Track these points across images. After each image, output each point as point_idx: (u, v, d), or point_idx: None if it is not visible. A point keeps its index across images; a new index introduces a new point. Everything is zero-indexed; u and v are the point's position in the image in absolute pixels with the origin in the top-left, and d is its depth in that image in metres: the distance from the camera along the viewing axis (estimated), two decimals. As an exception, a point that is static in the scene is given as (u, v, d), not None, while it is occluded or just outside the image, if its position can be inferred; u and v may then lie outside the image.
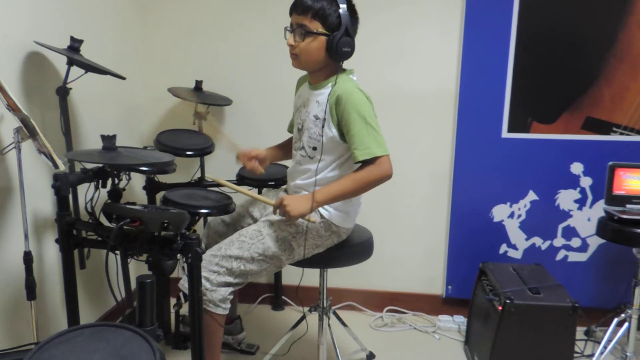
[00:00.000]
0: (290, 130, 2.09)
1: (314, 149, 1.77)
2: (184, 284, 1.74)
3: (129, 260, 1.69)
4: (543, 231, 2.56)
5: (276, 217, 1.80)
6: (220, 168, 2.66)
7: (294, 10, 1.71)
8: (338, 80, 1.72)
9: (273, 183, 2.34)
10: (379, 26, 2.48)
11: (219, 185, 2.02)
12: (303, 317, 2.19)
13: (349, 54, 1.71)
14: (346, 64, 1.80)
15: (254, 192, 1.99)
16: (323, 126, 1.73)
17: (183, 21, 2.64)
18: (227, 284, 1.75)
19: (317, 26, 1.67)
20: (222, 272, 1.73)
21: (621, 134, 2.42)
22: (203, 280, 1.68)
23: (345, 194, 1.72)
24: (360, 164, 1.68)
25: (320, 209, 1.80)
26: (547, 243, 2.57)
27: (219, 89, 2.62)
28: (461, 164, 2.55)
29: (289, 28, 1.74)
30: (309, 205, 1.68)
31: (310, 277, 2.69)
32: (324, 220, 1.80)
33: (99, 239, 1.68)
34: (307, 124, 1.79)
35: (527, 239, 2.58)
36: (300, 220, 1.75)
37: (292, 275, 2.78)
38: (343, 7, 1.66)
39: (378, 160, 1.65)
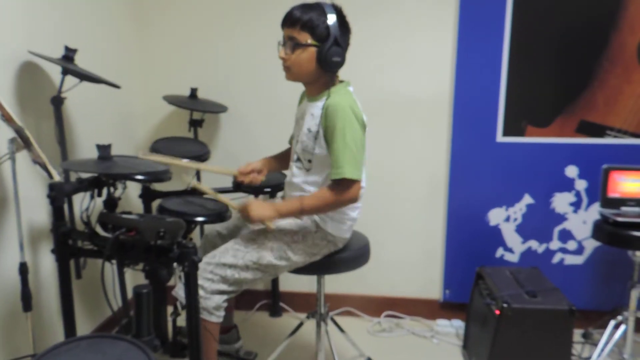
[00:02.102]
0: (291, 141, 2.10)
1: (309, 161, 1.78)
2: (178, 292, 1.74)
3: (125, 269, 1.69)
4: (539, 234, 2.57)
5: (271, 226, 1.81)
6: (217, 175, 2.66)
7: (284, 23, 1.72)
8: (333, 92, 1.73)
9: (270, 190, 2.34)
10: (373, 32, 2.49)
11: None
12: (301, 324, 2.19)
13: (339, 64, 1.72)
14: (341, 72, 1.81)
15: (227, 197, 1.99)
16: (315, 139, 1.74)
17: (178, 29, 2.64)
18: (221, 292, 1.75)
19: (306, 37, 1.68)
20: (216, 280, 1.73)
21: (615, 136, 2.44)
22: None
23: (308, 211, 1.75)
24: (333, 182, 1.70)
25: (316, 218, 1.81)
26: (544, 246, 2.57)
27: (214, 97, 2.62)
28: (457, 169, 2.56)
29: (280, 41, 1.75)
30: (271, 214, 1.73)
31: (307, 283, 2.69)
32: (320, 230, 1.81)
33: (95, 248, 1.67)
34: (301, 137, 1.80)
35: (523, 243, 2.59)
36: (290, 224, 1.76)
37: (289, 282, 2.77)
38: (332, 17, 1.66)
39: (347, 183, 1.67)
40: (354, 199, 1.71)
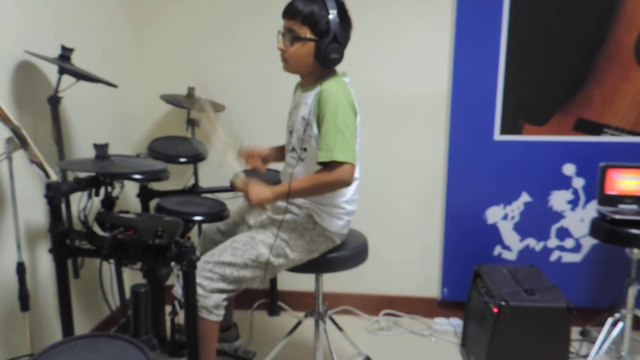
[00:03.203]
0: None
1: (305, 150, 1.78)
2: (177, 291, 1.74)
3: (123, 268, 1.68)
4: (537, 232, 2.57)
5: (267, 210, 1.81)
6: (214, 174, 2.66)
7: (285, 14, 1.72)
8: (327, 81, 1.73)
9: (267, 189, 2.33)
10: (370, 30, 2.49)
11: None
12: (299, 323, 2.19)
13: (336, 61, 1.72)
14: (339, 69, 1.80)
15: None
16: (306, 128, 1.74)
17: (175, 28, 2.64)
18: (221, 291, 1.75)
19: (306, 32, 1.68)
20: (215, 279, 1.73)
21: (612, 134, 2.44)
22: (196, 287, 1.67)
23: (302, 192, 1.73)
24: (322, 165, 1.68)
25: (314, 215, 1.81)
26: (541, 244, 2.58)
27: (211, 95, 2.62)
28: (454, 167, 2.56)
29: (281, 31, 1.75)
30: (270, 196, 1.74)
31: (305, 282, 2.69)
32: (317, 226, 1.81)
33: (93, 248, 1.67)
34: (296, 126, 1.80)
35: (521, 241, 2.59)
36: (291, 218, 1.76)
37: (288, 281, 2.77)
38: (333, 12, 1.66)
39: (338, 165, 1.64)
40: (346, 182, 1.67)
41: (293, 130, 1.82)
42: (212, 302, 1.73)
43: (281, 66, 1.78)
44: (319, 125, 1.70)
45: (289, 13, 1.70)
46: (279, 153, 2.07)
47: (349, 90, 1.75)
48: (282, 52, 1.74)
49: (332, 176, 1.65)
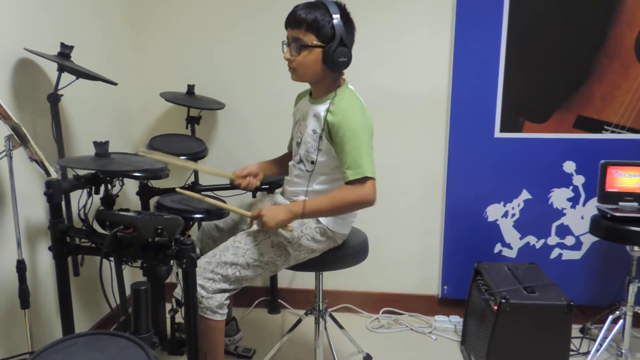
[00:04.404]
0: (290, 148, 2.08)
1: (313, 162, 1.78)
2: (179, 293, 1.72)
3: (123, 266, 1.68)
4: (537, 230, 2.57)
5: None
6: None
7: (288, 24, 1.71)
8: (339, 95, 1.73)
9: (267, 187, 2.33)
10: (370, 28, 2.48)
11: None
12: (299, 320, 2.19)
13: (345, 64, 1.71)
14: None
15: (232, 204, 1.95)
16: (321, 137, 1.73)
17: (175, 25, 2.63)
18: (223, 291, 1.74)
19: (311, 39, 1.67)
20: (217, 279, 1.73)
21: (612, 132, 2.44)
22: (198, 288, 1.67)
23: (322, 212, 1.73)
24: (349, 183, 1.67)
25: None
26: (541, 242, 2.58)
27: (211, 93, 2.61)
28: (455, 165, 2.56)
29: (285, 42, 1.74)
30: (286, 216, 1.68)
31: (305, 280, 2.69)
32: (320, 225, 1.81)
33: (93, 246, 1.67)
34: (305, 138, 1.79)
35: (521, 238, 2.59)
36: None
37: (288, 279, 2.77)
38: (336, 17, 1.65)
39: (364, 182, 1.64)
40: (372, 200, 1.67)
41: (302, 142, 1.81)
42: (215, 302, 1.72)
43: (281, 64, 1.77)
44: (337, 144, 1.68)
45: (292, 22, 1.69)
46: (273, 167, 2.05)
47: (361, 102, 1.76)
48: (289, 62, 1.73)
49: (358, 193, 1.66)
